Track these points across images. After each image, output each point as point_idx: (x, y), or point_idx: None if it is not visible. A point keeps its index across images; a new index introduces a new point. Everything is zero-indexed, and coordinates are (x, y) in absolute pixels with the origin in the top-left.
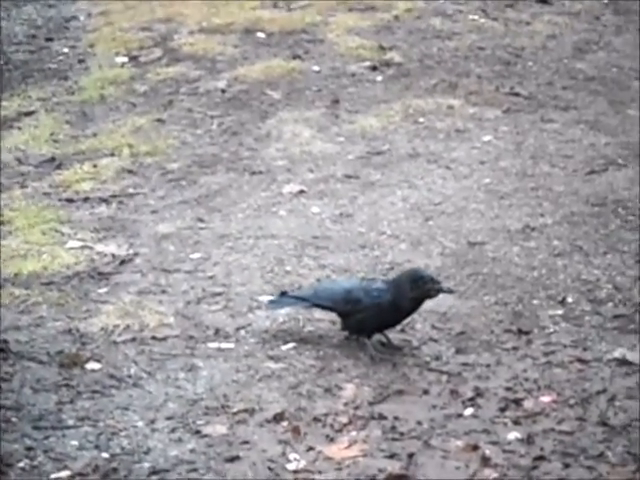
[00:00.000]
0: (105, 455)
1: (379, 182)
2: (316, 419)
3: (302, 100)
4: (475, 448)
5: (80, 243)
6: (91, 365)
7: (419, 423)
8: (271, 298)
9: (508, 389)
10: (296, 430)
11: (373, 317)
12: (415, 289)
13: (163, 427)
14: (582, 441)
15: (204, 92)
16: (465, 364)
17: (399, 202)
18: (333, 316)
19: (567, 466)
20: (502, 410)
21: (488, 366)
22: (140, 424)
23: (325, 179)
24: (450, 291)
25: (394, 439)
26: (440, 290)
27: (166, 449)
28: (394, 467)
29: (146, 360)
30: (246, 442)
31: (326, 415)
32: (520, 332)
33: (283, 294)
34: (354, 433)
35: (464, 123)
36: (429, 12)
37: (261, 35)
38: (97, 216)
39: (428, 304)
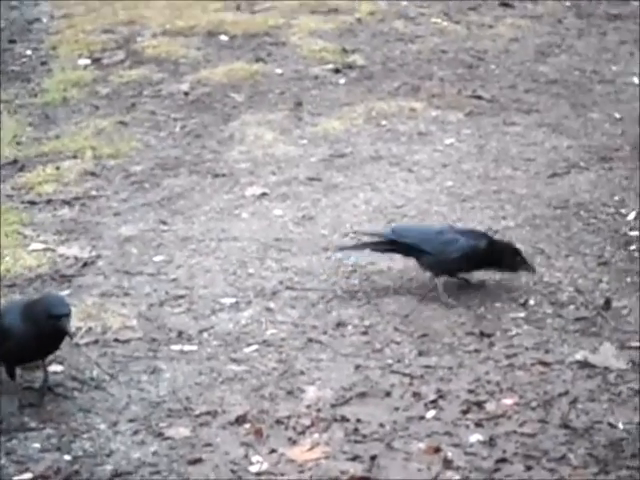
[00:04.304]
0: (67, 457)
1: (342, 185)
2: (278, 421)
3: (265, 103)
4: (437, 450)
5: (42, 245)
6: (53, 367)
7: (381, 425)
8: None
9: (470, 391)
10: (258, 432)
11: (466, 259)
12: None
13: (125, 429)
14: (544, 443)
15: (167, 95)
16: (427, 366)
17: (362, 205)
18: (296, 317)
19: (529, 468)
20: (464, 412)
21: (450, 368)
22: (102, 426)
23: (288, 182)
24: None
25: (356, 441)
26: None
27: (128, 451)
28: (356, 469)
29: (109, 362)
30: (209, 444)
31: (288, 417)
32: (482, 335)
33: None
34: (316, 435)
35: (426, 126)
36: (392, 15)
37: (224, 38)
38: (59, 218)
39: (390, 307)
